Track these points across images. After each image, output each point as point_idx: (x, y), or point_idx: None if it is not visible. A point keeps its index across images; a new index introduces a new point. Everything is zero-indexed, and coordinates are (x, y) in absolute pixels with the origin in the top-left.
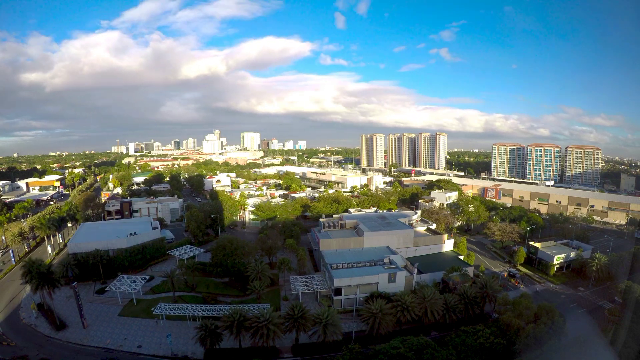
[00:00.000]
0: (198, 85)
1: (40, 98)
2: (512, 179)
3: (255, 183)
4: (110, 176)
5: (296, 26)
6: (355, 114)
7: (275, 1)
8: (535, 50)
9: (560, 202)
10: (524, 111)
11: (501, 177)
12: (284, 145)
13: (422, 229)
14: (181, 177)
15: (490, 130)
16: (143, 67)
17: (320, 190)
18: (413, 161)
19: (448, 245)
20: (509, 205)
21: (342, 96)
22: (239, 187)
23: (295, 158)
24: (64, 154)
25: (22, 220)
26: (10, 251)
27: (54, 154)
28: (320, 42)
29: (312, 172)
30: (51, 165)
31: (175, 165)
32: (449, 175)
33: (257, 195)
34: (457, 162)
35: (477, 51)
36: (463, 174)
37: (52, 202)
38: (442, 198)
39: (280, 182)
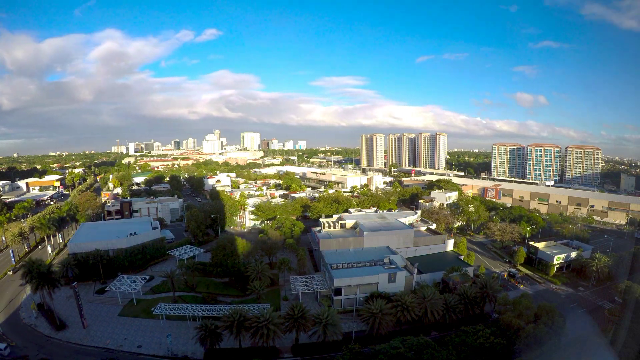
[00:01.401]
0: (115, 98)
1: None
2: (512, 179)
3: (255, 183)
4: (110, 176)
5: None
6: (271, 114)
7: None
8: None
9: (560, 202)
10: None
11: (501, 177)
12: (284, 145)
13: (422, 229)
14: (181, 177)
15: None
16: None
17: (320, 190)
18: (413, 161)
19: (448, 245)
20: (509, 205)
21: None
22: (239, 187)
23: (295, 158)
24: (64, 154)
25: (22, 220)
26: (10, 251)
27: (54, 154)
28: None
29: (312, 172)
30: (51, 165)
31: (175, 165)
32: (449, 175)
33: (257, 195)
34: (457, 162)
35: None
36: (463, 174)
37: (52, 202)
38: (442, 198)
39: (280, 182)
